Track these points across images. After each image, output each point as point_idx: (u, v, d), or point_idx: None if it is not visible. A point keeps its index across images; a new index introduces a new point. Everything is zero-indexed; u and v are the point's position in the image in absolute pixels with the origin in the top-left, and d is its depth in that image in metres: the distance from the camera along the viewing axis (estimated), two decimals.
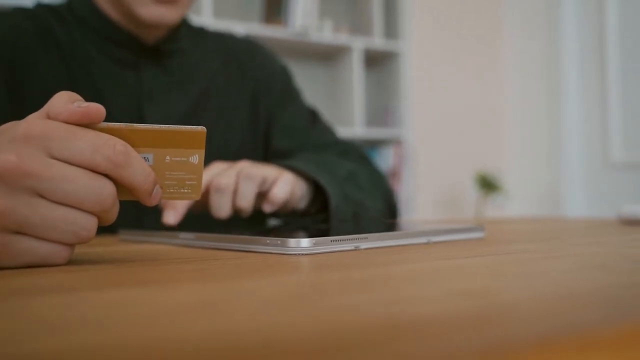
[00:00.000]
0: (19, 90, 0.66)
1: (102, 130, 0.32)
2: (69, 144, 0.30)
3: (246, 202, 0.55)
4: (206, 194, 0.56)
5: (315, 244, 0.35)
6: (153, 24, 0.68)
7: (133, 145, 0.32)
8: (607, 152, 2.73)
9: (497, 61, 3.16)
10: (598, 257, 0.30)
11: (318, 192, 0.65)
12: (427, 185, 2.88)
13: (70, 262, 0.32)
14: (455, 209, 2.98)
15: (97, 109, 0.31)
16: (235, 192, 0.55)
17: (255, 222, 0.69)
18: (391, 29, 2.65)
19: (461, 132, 3.01)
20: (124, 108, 0.70)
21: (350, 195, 0.66)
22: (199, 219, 0.61)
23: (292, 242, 0.34)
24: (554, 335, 0.14)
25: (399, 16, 2.62)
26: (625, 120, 2.66)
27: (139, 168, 0.31)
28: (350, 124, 2.51)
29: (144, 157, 0.33)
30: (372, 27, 2.60)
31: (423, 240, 0.41)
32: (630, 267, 0.26)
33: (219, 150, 0.76)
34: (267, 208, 0.58)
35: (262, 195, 0.59)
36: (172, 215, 0.54)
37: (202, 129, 0.34)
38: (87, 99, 0.66)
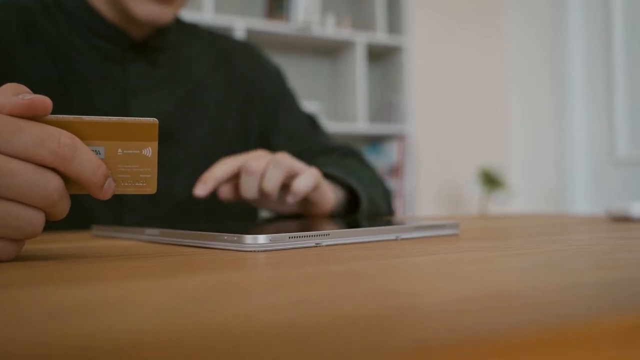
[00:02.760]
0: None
1: (50, 122, 0.31)
2: (12, 137, 0.29)
3: (271, 185, 0.57)
4: (238, 176, 0.60)
5: (272, 241, 0.34)
6: (148, 23, 0.68)
7: (83, 138, 0.31)
8: (613, 148, 2.69)
9: (502, 56, 3.13)
10: (555, 255, 0.29)
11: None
12: (430, 181, 2.87)
13: (16, 259, 0.31)
14: (459, 205, 2.96)
15: (43, 101, 0.30)
16: (262, 177, 0.58)
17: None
18: (394, 24, 2.63)
19: (465, 127, 2.99)
20: (109, 102, 0.69)
21: (373, 196, 0.72)
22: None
23: (248, 238, 0.33)
24: (463, 337, 0.13)
25: (402, 11, 2.60)
26: (631, 115, 2.62)
27: (86, 161, 0.30)
28: (353, 120, 2.50)
29: (95, 150, 0.32)
30: (375, 21, 2.58)
31: (391, 237, 0.40)
32: (576, 267, 0.25)
33: (205, 149, 0.75)
34: (290, 199, 0.60)
35: (287, 187, 0.61)
36: (201, 188, 0.58)
37: (153, 120, 0.33)
38: (71, 92, 0.66)
